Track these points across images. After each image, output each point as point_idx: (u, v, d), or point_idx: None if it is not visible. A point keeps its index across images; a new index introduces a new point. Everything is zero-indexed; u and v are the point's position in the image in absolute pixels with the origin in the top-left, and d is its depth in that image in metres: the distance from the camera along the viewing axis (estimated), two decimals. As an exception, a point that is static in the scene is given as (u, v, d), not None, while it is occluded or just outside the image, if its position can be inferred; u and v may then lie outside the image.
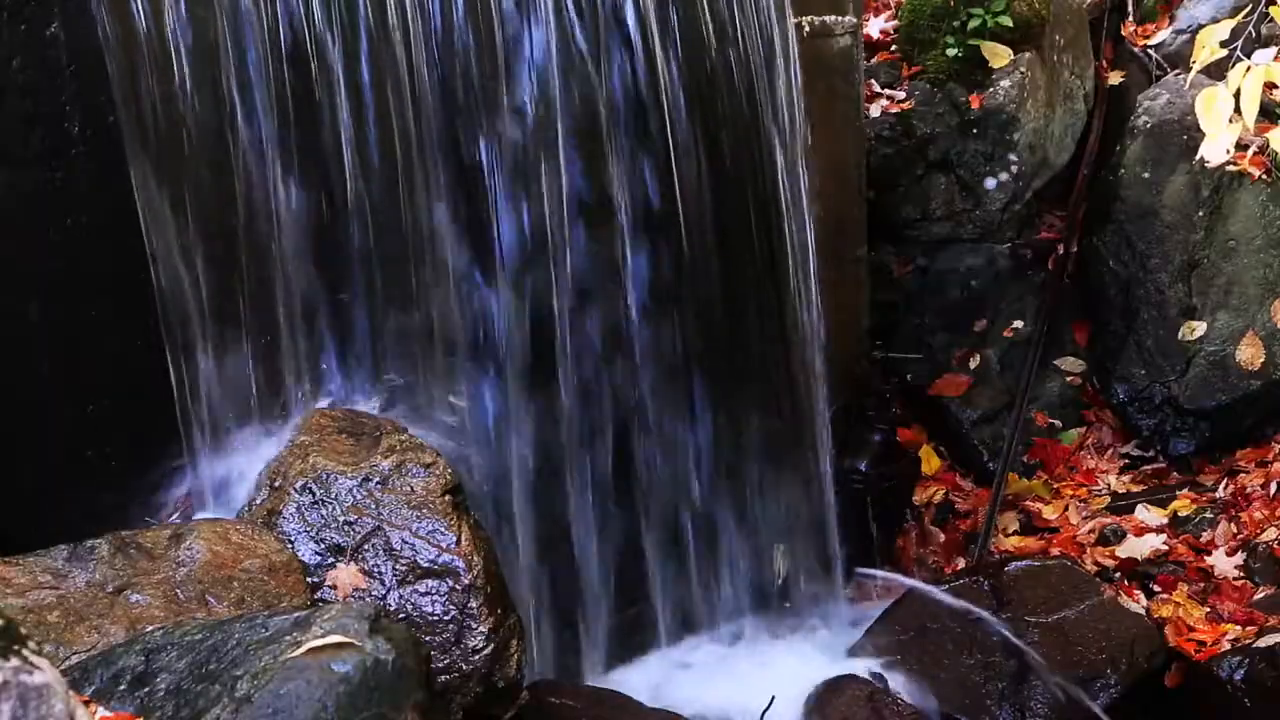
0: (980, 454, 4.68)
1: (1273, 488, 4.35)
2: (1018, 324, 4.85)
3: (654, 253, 3.44)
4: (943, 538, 4.49)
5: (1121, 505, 4.50)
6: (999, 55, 4.68)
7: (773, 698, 3.35)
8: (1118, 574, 4.19)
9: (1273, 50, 3.06)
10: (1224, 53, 2.97)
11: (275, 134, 2.84)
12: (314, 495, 2.63)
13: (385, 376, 3.08)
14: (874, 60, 4.80)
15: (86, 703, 1.59)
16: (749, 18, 3.47)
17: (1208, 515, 4.34)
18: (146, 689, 1.95)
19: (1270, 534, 4.15)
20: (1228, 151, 2.95)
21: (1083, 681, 3.47)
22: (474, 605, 2.53)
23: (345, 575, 2.55)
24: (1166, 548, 4.25)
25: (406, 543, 2.57)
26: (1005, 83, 4.69)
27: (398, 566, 2.56)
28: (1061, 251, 4.92)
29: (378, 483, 2.65)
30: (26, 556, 2.41)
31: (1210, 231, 4.66)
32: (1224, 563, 4.14)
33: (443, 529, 2.59)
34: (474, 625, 2.52)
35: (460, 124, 3.10)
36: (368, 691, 1.83)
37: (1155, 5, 5.20)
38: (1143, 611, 3.90)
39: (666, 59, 3.32)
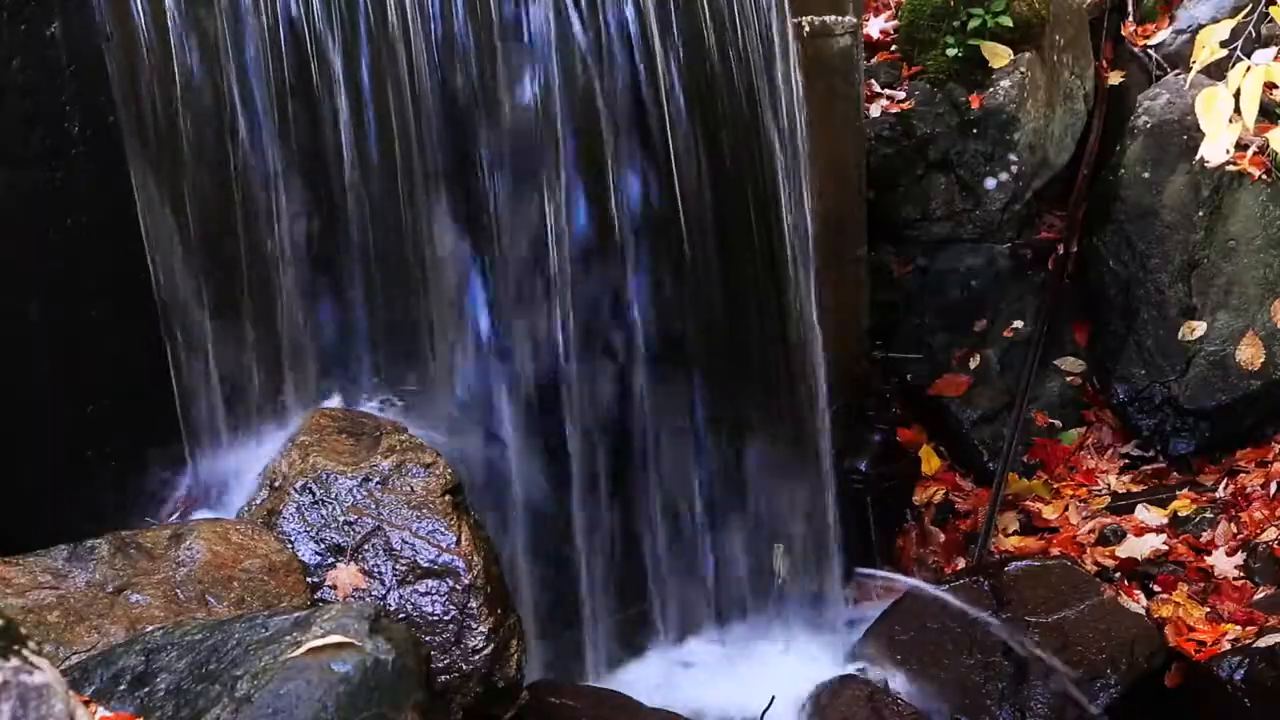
0: (980, 454, 4.68)
1: (1273, 488, 4.35)
2: (1018, 324, 4.85)
3: (654, 252, 3.44)
4: (943, 538, 4.49)
5: (1121, 505, 4.50)
6: (999, 55, 4.68)
7: (773, 698, 3.35)
8: (1118, 574, 4.19)
9: (1273, 50, 3.06)
10: (1224, 53, 2.97)
11: (275, 134, 2.84)
12: (314, 495, 2.63)
13: (385, 375, 3.08)
14: (874, 60, 4.80)
15: (86, 703, 1.59)
16: (749, 18, 3.47)
17: (1208, 515, 4.34)
18: (146, 689, 1.95)
19: (1270, 534, 4.15)
20: (1228, 151, 2.95)
21: (1083, 681, 3.47)
22: (474, 605, 2.53)
23: (345, 575, 2.55)
24: (1166, 548, 4.25)
25: (406, 543, 2.57)
26: (1005, 83, 4.69)
27: (398, 566, 2.56)
28: (1061, 251, 4.92)
29: (378, 483, 2.65)
30: (26, 556, 2.41)
31: (1210, 231, 4.66)
32: (1224, 563, 4.14)
33: (443, 529, 2.59)
34: (474, 625, 2.52)
35: (460, 123, 3.10)
36: (368, 691, 1.83)
37: (1155, 5, 5.20)
38: (1143, 611, 3.90)
39: (666, 59, 3.32)
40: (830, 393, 3.88)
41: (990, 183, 4.75)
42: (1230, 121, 2.82)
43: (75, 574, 2.39)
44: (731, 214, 3.58)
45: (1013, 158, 4.73)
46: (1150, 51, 5.10)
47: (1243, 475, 4.47)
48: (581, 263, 3.33)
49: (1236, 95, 2.80)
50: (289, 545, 2.57)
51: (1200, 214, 4.67)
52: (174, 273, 2.77)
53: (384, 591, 2.54)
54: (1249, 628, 3.77)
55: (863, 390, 4.46)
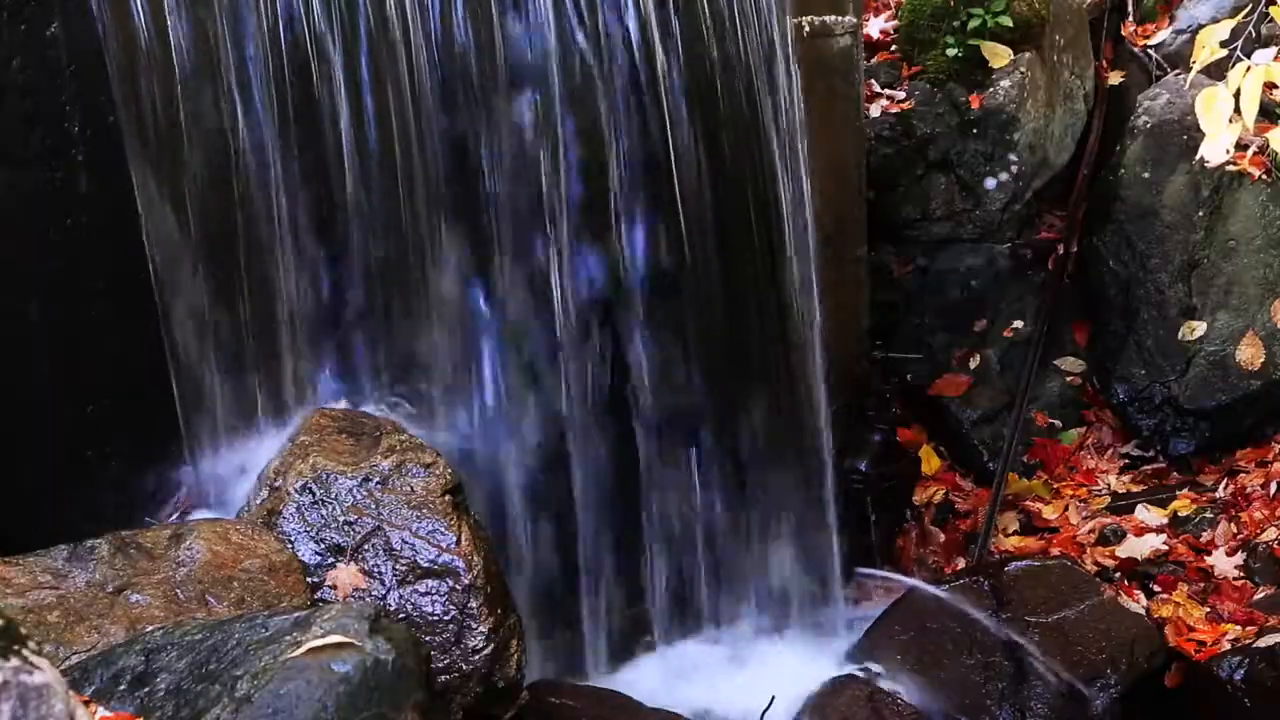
0: (980, 454, 4.68)
1: (1273, 488, 4.35)
2: (1018, 324, 4.85)
3: (653, 252, 3.44)
4: (943, 538, 4.49)
5: (1121, 505, 4.50)
6: (999, 55, 4.68)
7: (773, 698, 3.35)
8: (1118, 574, 4.19)
9: (1273, 50, 3.06)
10: (1224, 53, 2.96)
11: (275, 134, 2.84)
12: (314, 495, 2.63)
13: (385, 374, 3.08)
14: (874, 60, 4.80)
15: (86, 703, 1.59)
16: (749, 18, 3.47)
17: (1208, 515, 4.34)
18: (146, 689, 1.95)
19: (1270, 534, 4.15)
20: (1228, 151, 2.95)
21: (1083, 681, 3.47)
22: (474, 605, 2.53)
23: (345, 575, 2.55)
24: (1166, 548, 4.25)
25: (406, 543, 2.57)
26: (1005, 83, 4.69)
27: (398, 566, 2.56)
28: (1061, 251, 4.92)
29: (378, 483, 2.65)
30: (26, 556, 2.41)
31: (1210, 231, 4.66)
32: (1224, 563, 4.13)
33: (443, 529, 2.59)
34: (474, 625, 2.52)
35: (460, 122, 3.10)
36: (368, 691, 1.83)
37: (1155, 5, 5.20)
38: (1143, 611, 3.89)
39: (666, 59, 3.32)
40: (830, 393, 3.88)
41: (990, 183, 4.75)
42: (1230, 121, 2.82)
43: (75, 574, 2.39)
44: (731, 214, 3.58)
45: (1013, 158, 4.73)
46: (1150, 51, 5.10)
47: (1243, 475, 4.47)
48: (580, 261, 3.33)
49: (1236, 95, 2.79)
50: (289, 545, 2.57)
51: (1200, 214, 4.67)
52: (174, 273, 2.77)
53: (384, 591, 2.54)
54: (1249, 628, 3.77)
55: (863, 390, 4.45)
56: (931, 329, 4.83)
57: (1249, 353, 4.54)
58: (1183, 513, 4.37)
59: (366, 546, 2.57)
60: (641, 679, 3.52)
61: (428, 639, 2.43)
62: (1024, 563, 3.92)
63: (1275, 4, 3.32)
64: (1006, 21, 4.62)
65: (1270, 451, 4.50)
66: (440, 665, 2.45)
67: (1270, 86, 3.93)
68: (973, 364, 4.79)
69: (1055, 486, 4.64)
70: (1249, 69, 2.78)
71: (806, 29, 3.86)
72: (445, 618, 2.52)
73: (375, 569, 2.56)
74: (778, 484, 3.82)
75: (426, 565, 2.55)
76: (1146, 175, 4.75)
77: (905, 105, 4.72)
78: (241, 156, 2.82)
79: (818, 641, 3.84)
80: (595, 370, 3.42)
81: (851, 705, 3.34)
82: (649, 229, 3.41)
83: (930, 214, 4.79)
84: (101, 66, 2.62)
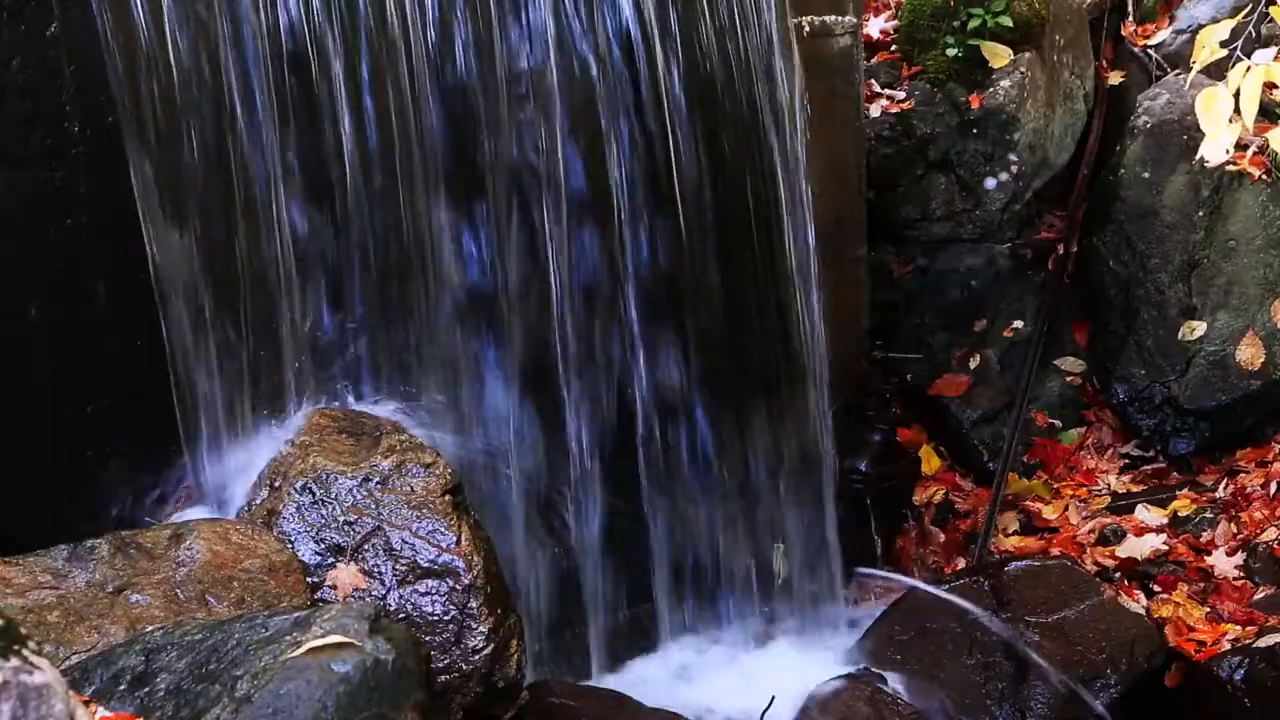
0: (980, 454, 4.68)
1: (1273, 488, 4.35)
2: (1018, 324, 4.85)
3: (653, 252, 3.44)
4: (943, 538, 4.49)
5: (1121, 505, 4.50)
6: (999, 55, 4.68)
7: (773, 698, 3.35)
8: (1118, 574, 4.19)
9: (1273, 50, 3.06)
10: (1224, 53, 2.97)
11: (275, 134, 2.84)
12: (314, 495, 2.63)
13: (385, 373, 3.08)
14: (874, 60, 4.80)
15: (86, 703, 1.59)
16: (749, 18, 3.47)
17: (1208, 515, 4.34)
18: (146, 689, 1.95)
19: (1270, 534, 4.15)
20: (1227, 151, 2.96)
21: (1083, 681, 3.47)
22: (474, 605, 2.53)
23: (345, 575, 2.55)
24: (1166, 548, 4.25)
25: (406, 543, 2.57)
26: (1005, 83, 4.69)
27: (398, 566, 2.56)
28: (1061, 251, 4.92)
29: (378, 483, 2.65)
30: (26, 556, 2.41)
31: (1210, 231, 4.66)
32: (1224, 563, 4.13)
33: (443, 529, 2.59)
34: (474, 625, 2.52)
35: (459, 121, 3.10)
36: (368, 691, 1.83)
37: (1155, 5, 5.20)
38: (1143, 611, 3.89)
39: (666, 59, 3.32)
40: (830, 393, 3.88)
41: (990, 183, 4.75)
42: (1230, 121, 2.82)
43: (75, 574, 2.39)
44: (731, 214, 3.58)
45: (1013, 158, 4.73)
46: (1150, 51, 5.10)
47: (1243, 475, 4.47)
48: (580, 262, 3.33)
49: (1236, 95, 2.80)
50: (289, 545, 2.57)
51: (1200, 214, 4.67)
52: (174, 273, 2.77)
53: (384, 591, 2.54)
54: (1249, 628, 3.77)
55: (863, 390, 4.46)
56: (931, 329, 4.83)
57: (1249, 353, 4.54)
58: (1183, 513, 4.37)
59: (366, 546, 2.57)
60: (642, 679, 3.52)
61: (428, 639, 2.43)
62: (1024, 563, 3.91)
63: (1275, 4, 3.32)
64: (1006, 21, 4.62)
65: (1270, 451, 4.50)
66: (440, 665, 2.45)
67: (1270, 86, 3.94)
68: (973, 364, 4.79)
69: (1055, 486, 4.64)
70: (1249, 69, 2.79)
71: (806, 29, 3.86)
72: (445, 618, 2.52)
73: (375, 569, 2.56)
74: (778, 484, 3.82)
75: (426, 565, 2.55)
76: (1146, 175, 4.75)
77: (905, 105, 4.72)
78: (241, 156, 2.82)
79: (818, 641, 3.84)
80: (595, 370, 3.42)
81: (851, 705, 3.33)
82: (649, 228, 3.41)
83: (930, 214, 4.80)
84: (101, 66, 2.62)
